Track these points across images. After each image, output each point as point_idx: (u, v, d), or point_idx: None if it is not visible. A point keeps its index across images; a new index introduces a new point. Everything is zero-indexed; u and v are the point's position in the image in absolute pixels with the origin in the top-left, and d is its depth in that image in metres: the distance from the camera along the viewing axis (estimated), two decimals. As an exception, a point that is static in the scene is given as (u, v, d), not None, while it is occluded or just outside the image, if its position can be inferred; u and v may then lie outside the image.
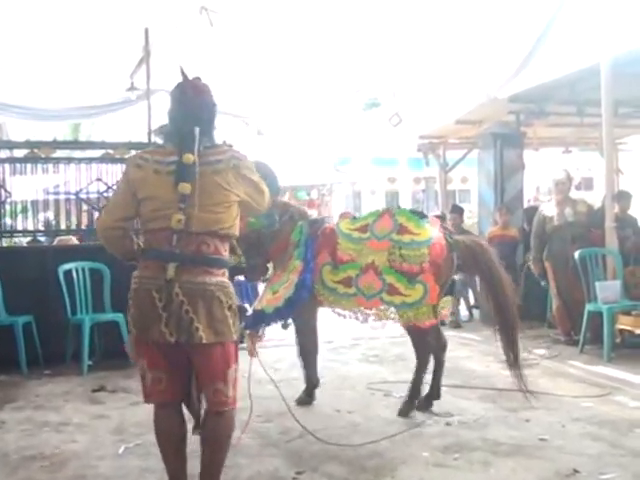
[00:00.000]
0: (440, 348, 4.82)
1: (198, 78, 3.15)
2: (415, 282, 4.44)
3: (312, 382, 5.03)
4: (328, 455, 3.94)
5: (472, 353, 6.65)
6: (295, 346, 5.06)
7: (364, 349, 6.90)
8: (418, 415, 4.62)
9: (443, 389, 4.85)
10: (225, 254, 3.06)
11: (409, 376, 4.78)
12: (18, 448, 4.16)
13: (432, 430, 4.35)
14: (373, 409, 4.84)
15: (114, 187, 6.67)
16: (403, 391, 4.82)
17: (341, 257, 4.65)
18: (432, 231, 4.59)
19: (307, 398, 4.99)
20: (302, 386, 5.06)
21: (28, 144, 6.95)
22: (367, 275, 4.54)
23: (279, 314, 4.54)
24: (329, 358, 6.31)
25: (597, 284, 6.35)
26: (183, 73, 3.12)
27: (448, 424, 4.45)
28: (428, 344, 4.71)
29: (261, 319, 4.52)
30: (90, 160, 7.06)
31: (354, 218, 4.91)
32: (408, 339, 4.75)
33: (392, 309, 4.65)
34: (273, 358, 5.98)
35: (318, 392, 5.05)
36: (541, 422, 4.46)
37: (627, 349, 6.46)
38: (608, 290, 6.34)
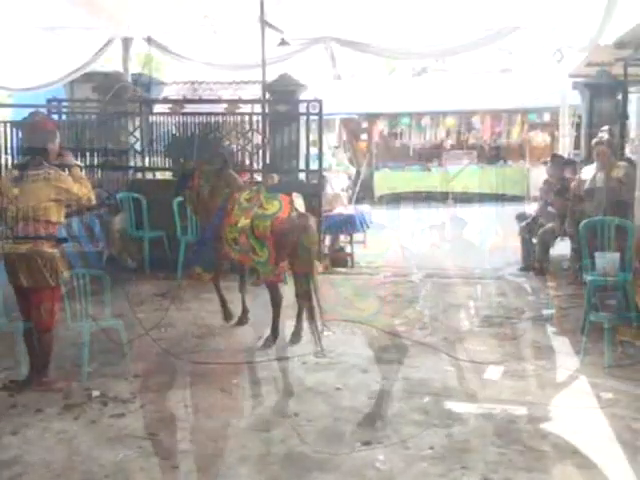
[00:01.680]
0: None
1: (42, 117, 4.31)
2: (264, 246, 6.01)
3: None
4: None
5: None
6: None
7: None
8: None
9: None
10: None
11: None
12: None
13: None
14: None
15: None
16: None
17: (233, 220, 6.20)
18: (278, 208, 6.08)
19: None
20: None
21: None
22: (242, 236, 6.12)
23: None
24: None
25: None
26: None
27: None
28: (280, 296, 6.26)
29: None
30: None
31: (254, 190, 6.43)
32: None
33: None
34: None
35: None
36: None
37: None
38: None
